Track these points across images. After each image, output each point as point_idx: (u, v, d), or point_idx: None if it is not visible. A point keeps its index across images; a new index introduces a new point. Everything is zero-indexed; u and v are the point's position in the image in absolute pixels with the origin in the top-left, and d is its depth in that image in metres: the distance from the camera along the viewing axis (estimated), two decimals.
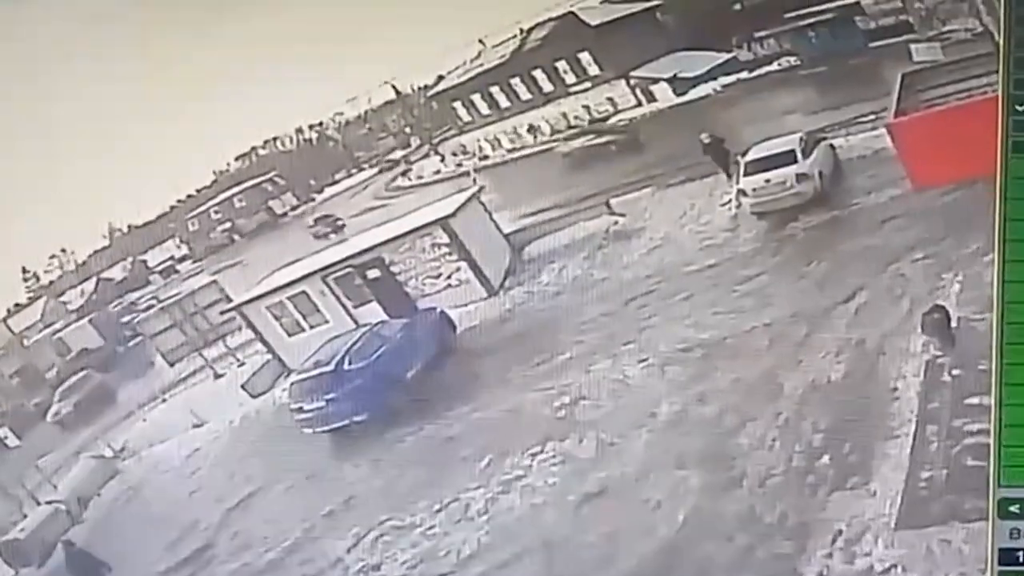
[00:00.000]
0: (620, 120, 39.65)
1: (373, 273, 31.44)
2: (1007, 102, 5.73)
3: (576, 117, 39.36)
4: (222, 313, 36.75)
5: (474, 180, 35.57)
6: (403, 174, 44.40)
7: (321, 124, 45.60)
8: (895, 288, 20.00)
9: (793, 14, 35.50)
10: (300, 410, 26.21)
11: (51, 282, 48.51)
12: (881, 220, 23.49)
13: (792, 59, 36.40)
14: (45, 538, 28.46)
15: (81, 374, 40.20)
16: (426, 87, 44.79)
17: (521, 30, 42.82)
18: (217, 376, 36.92)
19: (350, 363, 26.22)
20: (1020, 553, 6.15)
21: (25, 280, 47.84)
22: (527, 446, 20.99)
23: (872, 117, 28.06)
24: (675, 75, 37.42)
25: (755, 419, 18.12)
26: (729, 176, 29.11)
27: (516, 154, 40.56)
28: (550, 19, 39.87)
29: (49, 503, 30.09)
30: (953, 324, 17.00)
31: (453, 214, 31.04)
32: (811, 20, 35.58)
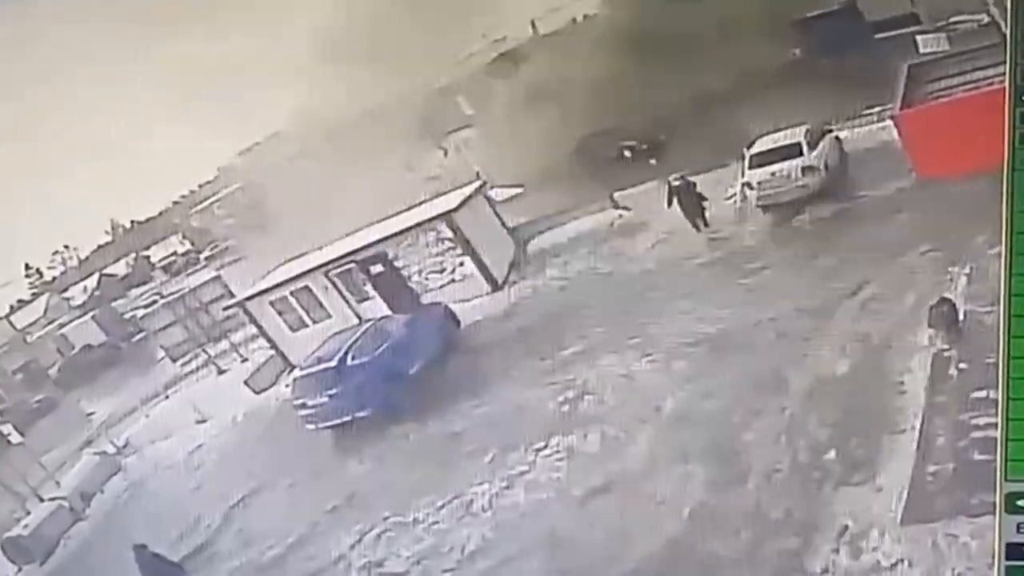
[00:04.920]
0: None
1: (376, 268, 31.37)
2: (1014, 93, 5.56)
3: None
4: (225, 309, 36.79)
5: (477, 174, 35.47)
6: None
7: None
8: (902, 281, 19.83)
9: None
10: (303, 406, 26.15)
11: (54, 278, 48.63)
12: (887, 213, 23.35)
13: (797, 51, 36.25)
14: (48, 534, 28.50)
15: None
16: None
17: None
18: (220, 372, 36.95)
19: (353, 359, 26.15)
20: None
21: (28, 276, 47.96)
22: (531, 441, 20.90)
23: (878, 109, 27.93)
24: None
25: (760, 414, 17.99)
26: (697, 229, 27.87)
27: None
28: None
29: (52, 499, 30.12)
30: (960, 317, 16.86)
31: (457, 208, 30.96)
32: (816, 12, 35.44)
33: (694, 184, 28.15)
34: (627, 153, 36.27)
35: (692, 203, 27.98)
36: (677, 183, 28.25)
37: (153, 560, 22.25)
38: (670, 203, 28.28)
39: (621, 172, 34.22)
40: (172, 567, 22.82)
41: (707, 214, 27.94)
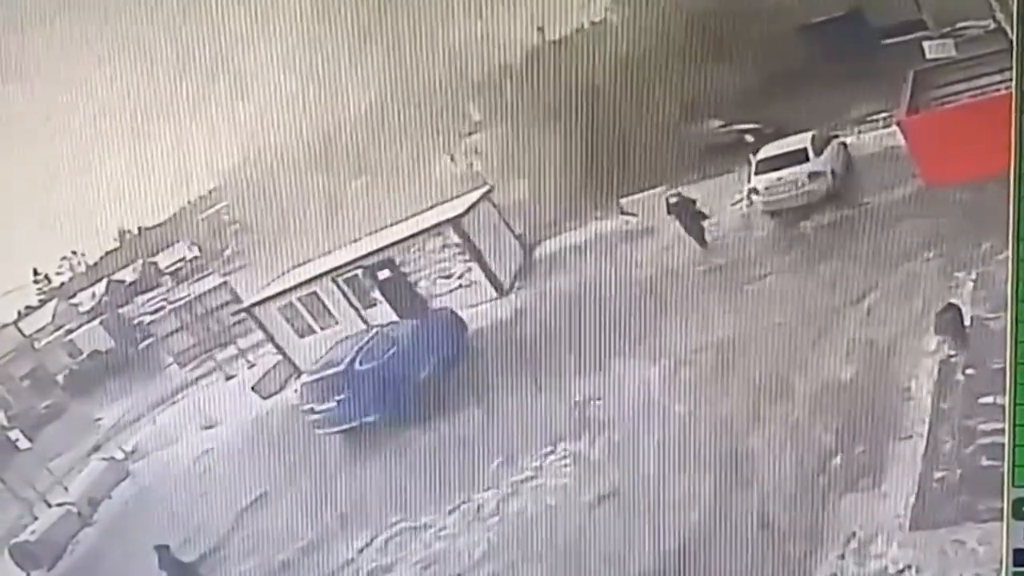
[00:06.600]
0: None
1: (383, 274, 31.36)
2: (1020, 99, 5.62)
3: None
4: (233, 315, 36.75)
5: (485, 179, 35.44)
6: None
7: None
8: (908, 287, 19.86)
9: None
10: (311, 411, 26.19)
11: (62, 284, 48.48)
12: (893, 218, 23.35)
13: (802, 56, 36.12)
14: (56, 540, 28.51)
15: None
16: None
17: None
18: (228, 378, 36.88)
19: (361, 364, 26.19)
20: None
21: (36, 282, 47.85)
22: (538, 447, 20.91)
23: (884, 115, 27.89)
24: None
25: (767, 420, 18.01)
26: (702, 245, 27.10)
27: None
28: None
29: (60, 505, 30.14)
30: (966, 323, 16.88)
31: (464, 214, 30.96)
32: (822, 17, 35.34)
33: (694, 202, 27.56)
34: (749, 138, 35.25)
35: (691, 222, 27.38)
36: (675, 200, 27.73)
37: (176, 562, 22.29)
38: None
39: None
40: (193, 570, 22.83)
41: (707, 234, 27.24)
